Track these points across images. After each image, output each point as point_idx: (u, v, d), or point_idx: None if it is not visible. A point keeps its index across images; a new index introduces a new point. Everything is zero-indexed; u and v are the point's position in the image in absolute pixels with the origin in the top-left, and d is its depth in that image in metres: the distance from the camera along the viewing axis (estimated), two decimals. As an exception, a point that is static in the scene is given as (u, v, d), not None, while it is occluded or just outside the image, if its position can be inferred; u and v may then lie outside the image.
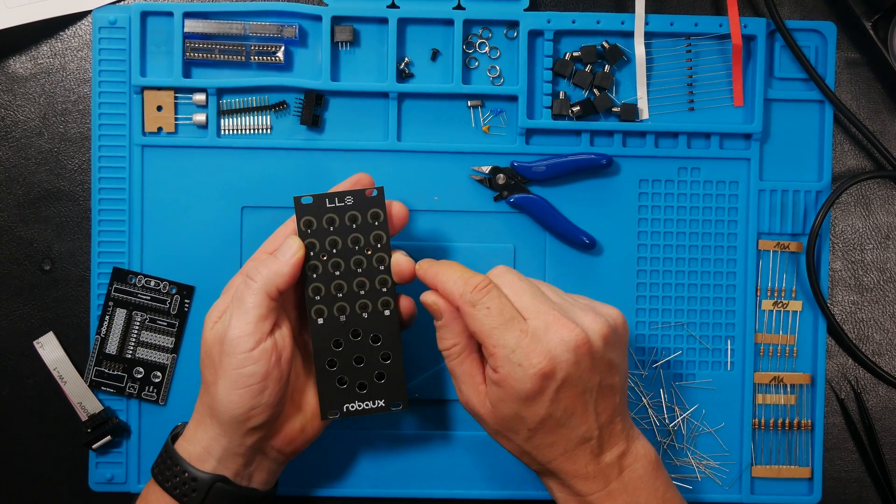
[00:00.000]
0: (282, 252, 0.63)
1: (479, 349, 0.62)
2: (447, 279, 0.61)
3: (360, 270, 0.64)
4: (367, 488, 0.73)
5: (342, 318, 0.64)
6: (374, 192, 0.64)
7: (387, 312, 0.64)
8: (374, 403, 0.65)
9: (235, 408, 0.61)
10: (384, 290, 0.64)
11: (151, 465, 0.65)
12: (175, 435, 0.65)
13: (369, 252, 0.64)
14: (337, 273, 0.64)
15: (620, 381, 0.62)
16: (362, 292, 0.64)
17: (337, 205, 0.63)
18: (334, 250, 0.64)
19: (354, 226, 0.64)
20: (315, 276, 0.63)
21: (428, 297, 0.62)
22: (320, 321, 0.64)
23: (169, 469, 0.63)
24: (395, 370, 0.65)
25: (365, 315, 0.64)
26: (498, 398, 0.60)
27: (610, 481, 0.61)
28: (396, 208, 0.65)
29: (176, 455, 0.63)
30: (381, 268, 0.64)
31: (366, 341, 0.64)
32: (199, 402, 0.64)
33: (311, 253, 0.63)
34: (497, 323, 0.59)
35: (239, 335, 0.61)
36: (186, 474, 0.62)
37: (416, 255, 0.72)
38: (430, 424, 0.73)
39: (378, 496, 0.73)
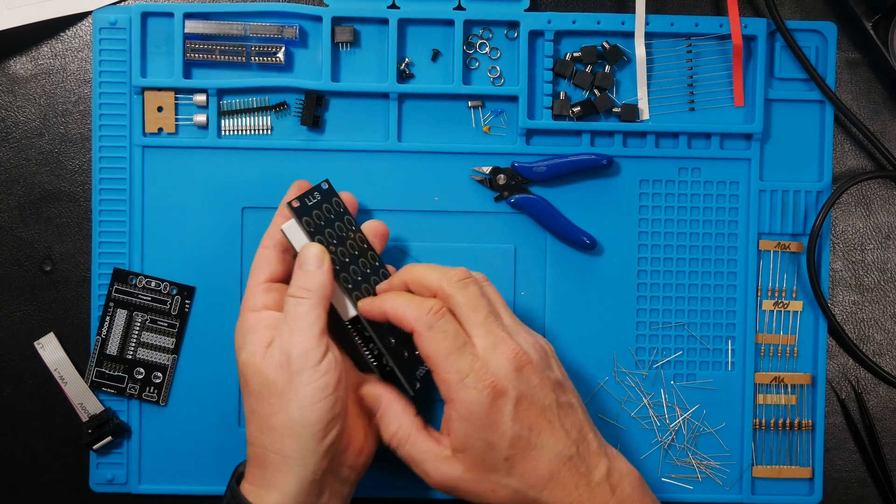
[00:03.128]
0: (309, 262, 0.63)
1: (423, 425, 0.63)
2: (398, 305, 0.61)
3: (356, 253, 0.65)
4: (367, 488, 0.73)
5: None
6: (325, 185, 0.66)
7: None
8: (423, 365, 0.66)
9: (314, 424, 0.60)
10: (377, 263, 0.66)
11: None
12: (239, 474, 0.63)
13: (352, 234, 0.66)
14: (347, 260, 0.65)
15: (576, 400, 0.63)
16: (368, 270, 0.66)
17: (315, 201, 0.65)
18: (335, 241, 0.65)
19: (332, 216, 0.65)
20: (338, 268, 0.64)
21: (363, 393, 0.64)
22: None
23: None
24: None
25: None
26: (464, 435, 0.60)
27: (606, 502, 0.61)
28: (346, 196, 0.67)
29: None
30: (366, 245, 0.66)
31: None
32: (255, 447, 0.61)
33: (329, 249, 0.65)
34: (452, 348, 0.59)
35: (306, 350, 0.60)
36: None
37: (416, 255, 0.73)
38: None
39: (378, 496, 0.73)
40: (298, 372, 0.60)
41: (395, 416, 0.63)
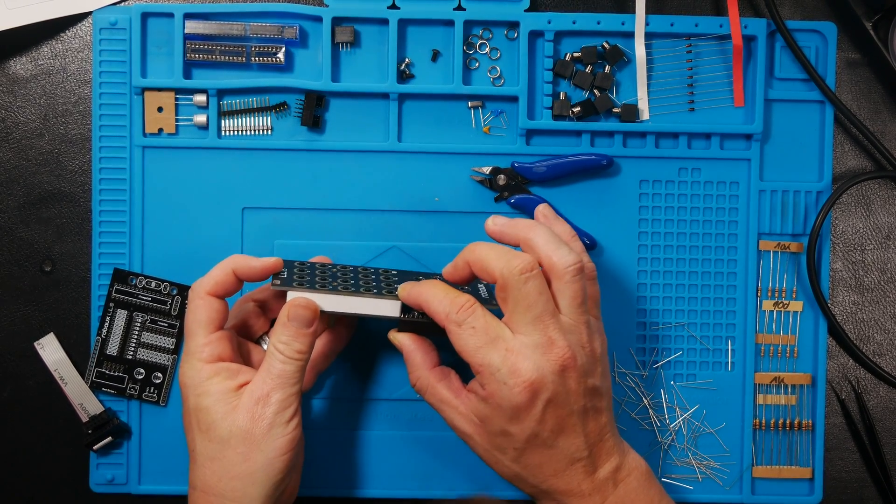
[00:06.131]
0: (299, 320, 0.62)
1: (448, 374, 0.64)
2: (431, 298, 0.62)
3: (350, 279, 0.66)
4: (367, 488, 0.73)
5: (397, 280, 0.66)
6: (284, 271, 0.65)
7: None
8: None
9: (278, 473, 0.61)
10: (372, 272, 0.67)
11: None
12: None
13: (336, 269, 0.67)
14: (351, 283, 0.65)
15: (606, 403, 0.63)
16: (371, 277, 0.66)
17: (287, 274, 0.65)
18: (326, 281, 0.65)
19: (309, 271, 0.66)
20: (348, 287, 0.64)
21: (391, 336, 0.65)
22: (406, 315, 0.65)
23: None
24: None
25: (395, 278, 0.66)
26: (485, 414, 0.61)
27: (606, 497, 0.61)
28: (316, 259, 0.68)
29: None
30: (352, 269, 0.67)
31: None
32: (208, 493, 0.62)
33: (326, 285, 0.64)
34: (482, 342, 0.59)
35: (286, 408, 0.61)
36: None
37: (417, 256, 0.73)
38: (431, 424, 0.73)
39: (377, 496, 0.73)
40: (274, 426, 0.61)
41: (415, 367, 0.64)
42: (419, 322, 0.64)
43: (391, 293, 0.64)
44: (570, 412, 0.60)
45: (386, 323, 0.65)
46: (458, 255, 0.63)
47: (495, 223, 0.64)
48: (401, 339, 0.65)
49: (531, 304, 0.59)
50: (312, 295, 0.63)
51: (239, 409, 0.61)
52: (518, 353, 0.59)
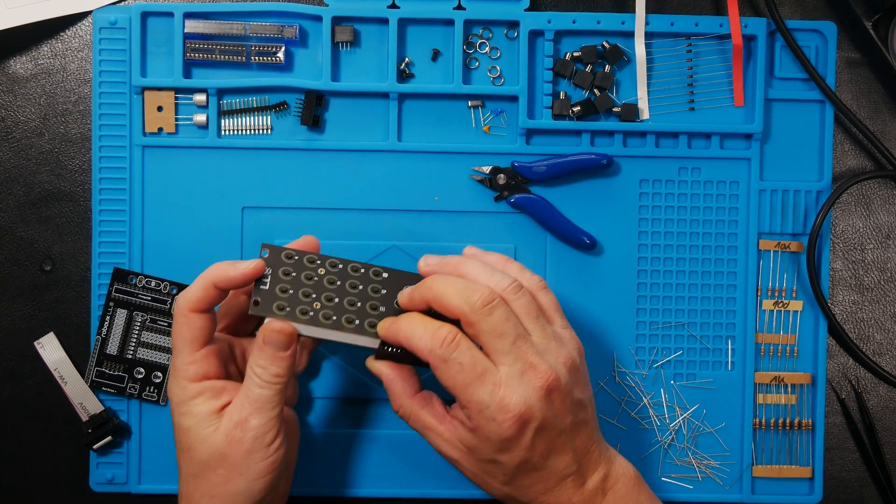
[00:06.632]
0: (274, 344, 0.61)
1: (431, 399, 0.63)
2: (412, 334, 0.60)
3: (339, 282, 0.63)
4: (366, 488, 0.73)
5: (382, 309, 0.63)
6: (265, 253, 0.63)
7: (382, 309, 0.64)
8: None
9: (258, 494, 0.61)
10: (362, 271, 0.64)
11: None
12: None
13: (322, 270, 0.63)
14: (335, 299, 0.63)
15: (591, 412, 0.63)
16: (360, 285, 0.64)
17: (268, 283, 0.62)
18: (312, 295, 0.63)
19: (293, 272, 0.63)
20: (329, 320, 0.62)
21: (368, 364, 0.64)
22: (387, 349, 0.63)
23: None
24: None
25: (384, 291, 0.64)
26: (473, 445, 0.60)
27: None
28: (300, 241, 0.65)
29: None
30: (340, 266, 0.64)
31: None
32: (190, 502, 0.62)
33: (308, 315, 0.62)
34: (470, 379, 0.58)
35: (265, 433, 0.61)
36: None
37: (417, 255, 0.72)
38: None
39: (376, 496, 0.73)
40: (253, 451, 0.60)
41: (396, 396, 0.63)
42: (398, 354, 0.63)
43: (372, 326, 0.63)
44: (559, 433, 0.60)
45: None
46: (414, 288, 0.62)
47: (427, 264, 0.63)
48: (379, 367, 0.63)
49: (502, 333, 0.59)
50: (291, 323, 0.62)
51: (219, 433, 0.61)
52: (505, 385, 0.58)
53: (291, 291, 0.62)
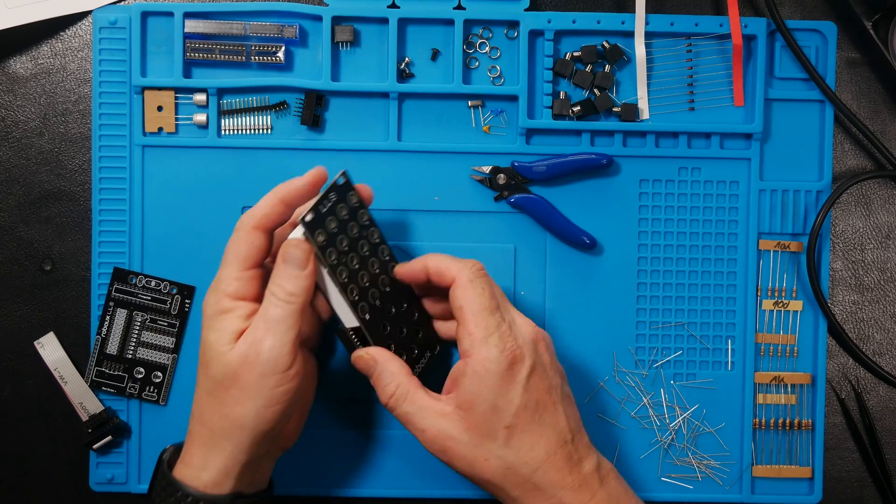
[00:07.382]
0: (293, 261, 0.61)
1: (421, 384, 0.63)
2: (440, 262, 0.64)
3: (367, 253, 0.65)
4: (366, 488, 0.73)
5: (377, 303, 0.65)
6: (342, 180, 0.64)
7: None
8: (427, 359, 0.68)
9: (267, 422, 0.61)
10: (387, 257, 0.66)
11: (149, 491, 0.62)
12: (167, 461, 0.63)
13: (366, 233, 0.65)
14: (357, 265, 0.64)
15: (572, 395, 0.65)
16: (377, 270, 0.66)
17: (330, 205, 0.63)
18: (346, 246, 0.64)
19: (347, 215, 0.64)
20: (345, 276, 0.63)
21: (356, 356, 0.64)
22: (367, 316, 0.64)
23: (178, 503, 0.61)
24: (424, 318, 0.68)
25: (387, 289, 0.66)
26: (472, 392, 0.60)
27: (595, 492, 0.61)
28: (362, 188, 0.66)
29: (183, 487, 0.61)
30: (378, 240, 0.66)
31: (398, 311, 0.66)
32: (202, 425, 0.62)
33: (334, 259, 0.63)
34: (486, 306, 0.61)
35: (278, 356, 0.60)
36: None
37: (417, 255, 0.72)
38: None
39: (376, 496, 0.73)
40: (265, 375, 0.60)
41: (392, 375, 0.63)
42: (352, 341, 0.64)
43: (363, 311, 0.64)
44: (550, 386, 0.62)
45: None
46: (413, 260, 0.65)
47: (401, 269, 0.66)
48: (373, 352, 0.64)
49: (493, 294, 0.62)
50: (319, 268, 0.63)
51: (234, 351, 0.60)
52: (509, 323, 0.62)
53: (337, 231, 0.63)
